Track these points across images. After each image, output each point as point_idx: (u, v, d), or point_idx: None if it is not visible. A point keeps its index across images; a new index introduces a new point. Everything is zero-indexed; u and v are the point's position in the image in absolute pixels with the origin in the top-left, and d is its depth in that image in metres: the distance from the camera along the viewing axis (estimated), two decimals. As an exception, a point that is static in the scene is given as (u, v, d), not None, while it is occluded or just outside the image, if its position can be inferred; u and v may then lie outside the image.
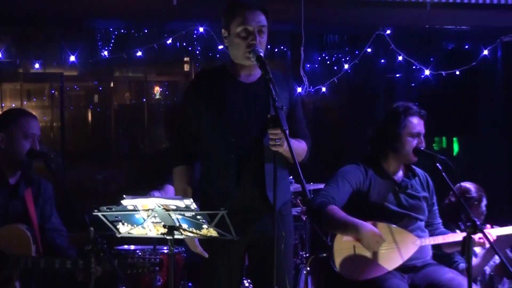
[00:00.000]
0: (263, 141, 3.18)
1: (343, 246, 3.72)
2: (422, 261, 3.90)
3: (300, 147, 3.35)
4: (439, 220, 4.13)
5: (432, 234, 4.02)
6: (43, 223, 4.02)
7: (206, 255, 3.32)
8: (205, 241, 3.31)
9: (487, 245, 3.80)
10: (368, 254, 3.74)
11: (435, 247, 4.00)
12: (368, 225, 3.61)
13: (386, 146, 3.94)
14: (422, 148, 3.90)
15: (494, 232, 3.90)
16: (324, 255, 3.80)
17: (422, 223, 3.97)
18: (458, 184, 4.56)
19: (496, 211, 5.30)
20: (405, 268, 3.84)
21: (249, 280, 4.82)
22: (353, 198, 3.86)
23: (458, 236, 3.88)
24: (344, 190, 3.83)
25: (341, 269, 3.71)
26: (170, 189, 4.93)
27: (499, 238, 3.93)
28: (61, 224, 4.11)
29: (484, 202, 4.92)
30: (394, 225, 3.80)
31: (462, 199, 4.60)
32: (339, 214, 3.68)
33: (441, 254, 4.11)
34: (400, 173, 4.01)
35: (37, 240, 3.89)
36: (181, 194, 3.34)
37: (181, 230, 3.10)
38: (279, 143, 3.01)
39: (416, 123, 3.94)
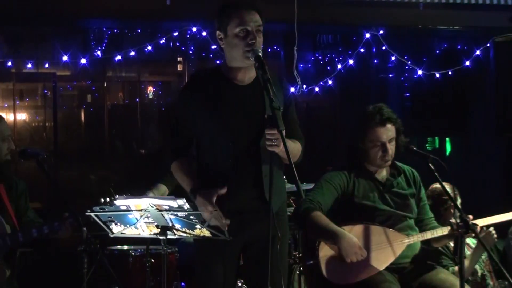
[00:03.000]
0: (260, 143, 3.18)
1: (328, 252, 3.73)
2: (412, 258, 3.90)
3: (295, 147, 3.36)
4: (431, 215, 4.11)
5: (423, 230, 4.02)
6: (19, 217, 4.07)
7: (224, 222, 3.17)
8: (200, 240, 3.30)
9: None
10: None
11: (424, 241, 4.00)
12: (348, 236, 3.63)
13: (357, 153, 3.97)
14: (414, 148, 3.89)
15: (481, 222, 3.90)
16: (311, 262, 3.79)
17: (412, 221, 3.97)
18: (434, 185, 4.61)
19: (488, 210, 5.32)
20: (396, 268, 3.84)
21: (241, 280, 4.82)
22: (339, 201, 3.87)
23: (446, 230, 3.88)
24: (329, 193, 3.85)
25: (329, 274, 3.72)
26: (162, 188, 4.93)
27: (486, 234, 3.95)
28: (36, 217, 4.17)
29: (459, 201, 4.99)
30: (380, 226, 3.81)
31: (438, 201, 4.66)
32: (321, 221, 3.69)
33: (428, 252, 4.11)
34: (384, 173, 4.01)
35: (15, 226, 3.95)
36: (187, 186, 3.28)
37: (174, 230, 3.10)
38: (275, 143, 3.02)
39: (379, 133, 3.92)
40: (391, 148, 3.92)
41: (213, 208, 3.10)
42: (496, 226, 4.08)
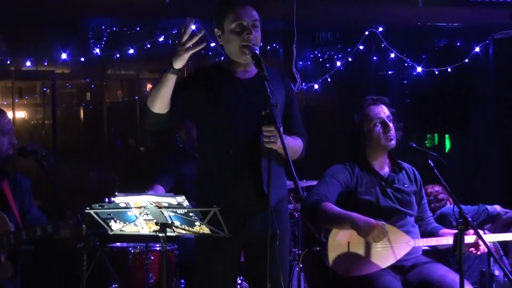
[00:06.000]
0: (260, 137, 3.18)
1: (337, 242, 3.73)
2: (414, 257, 3.91)
3: (296, 144, 3.36)
4: (430, 214, 4.12)
5: (424, 229, 4.01)
6: (23, 215, 4.09)
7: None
8: (200, 238, 3.30)
9: (479, 253, 3.81)
10: (361, 251, 3.74)
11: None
12: (365, 217, 3.61)
13: (359, 143, 3.97)
14: (413, 145, 3.89)
15: (487, 238, 3.90)
16: (318, 248, 3.80)
17: (412, 219, 3.97)
18: (430, 186, 4.64)
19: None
20: (397, 267, 3.84)
21: (241, 277, 4.83)
22: (343, 196, 3.87)
23: (451, 239, 3.87)
24: (334, 188, 3.85)
25: (334, 264, 3.72)
26: (159, 189, 4.93)
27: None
28: (41, 214, 4.19)
29: (451, 201, 5.07)
30: (388, 224, 3.80)
31: (435, 201, 4.69)
32: (334, 209, 3.70)
33: (434, 252, 4.12)
34: (386, 168, 4.01)
35: (19, 224, 3.96)
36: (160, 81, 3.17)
37: (173, 227, 3.10)
38: (272, 140, 3.02)
39: (375, 111, 3.95)
40: (392, 127, 3.93)
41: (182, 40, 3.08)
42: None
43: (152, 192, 4.89)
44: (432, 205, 5.20)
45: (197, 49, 3.12)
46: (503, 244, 5.03)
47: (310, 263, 4.88)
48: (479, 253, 3.79)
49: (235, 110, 3.27)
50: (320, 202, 3.73)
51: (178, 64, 3.13)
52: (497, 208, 5.13)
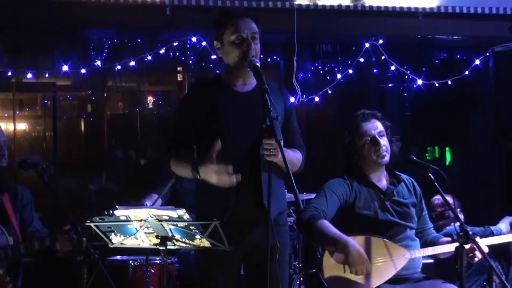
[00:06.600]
0: (260, 151, 3.18)
1: (331, 262, 3.70)
2: (412, 272, 3.88)
3: (295, 157, 3.36)
4: (430, 225, 4.10)
5: (425, 240, 4.00)
6: (24, 227, 4.09)
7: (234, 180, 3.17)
8: (200, 251, 3.30)
9: (477, 259, 3.79)
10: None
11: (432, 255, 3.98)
12: (358, 246, 3.56)
13: (354, 159, 3.95)
14: (414, 158, 3.88)
15: (484, 241, 3.90)
16: (314, 270, 3.78)
17: (412, 232, 3.94)
18: (438, 196, 4.61)
19: (487, 221, 5.32)
20: (396, 280, 3.82)
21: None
22: (341, 210, 3.85)
23: (447, 247, 3.87)
24: (332, 202, 3.81)
25: (330, 284, 3.70)
26: (154, 196, 4.93)
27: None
28: (42, 227, 4.19)
29: (461, 214, 5.04)
30: (384, 239, 3.78)
31: (443, 211, 4.67)
32: (329, 229, 3.63)
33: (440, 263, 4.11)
34: (385, 181, 3.99)
35: (18, 238, 3.95)
36: (188, 171, 3.25)
37: (173, 241, 3.10)
38: (273, 153, 3.02)
39: (366, 128, 3.91)
40: (384, 142, 3.89)
41: (216, 167, 3.12)
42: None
43: (149, 200, 4.90)
44: (441, 222, 5.19)
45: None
46: (504, 253, 5.05)
47: (309, 279, 4.88)
48: (476, 259, 3.77)
49: (234, 123, 3.27)
50: (316, 219, 3.67)
51: (204, 174, 3.17)
52: (502, 229, 5.11)
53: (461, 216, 5.02)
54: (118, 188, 7.16)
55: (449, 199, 5.00)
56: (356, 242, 3.59)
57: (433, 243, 3.95)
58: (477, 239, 3.58)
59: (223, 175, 3.12)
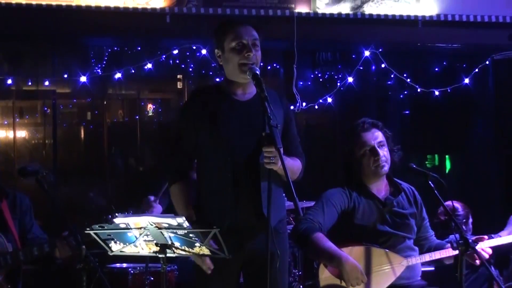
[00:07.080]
0: (259, 159, 3.18)
1: (328, 275, 3.69)
2: (411, 281, 3.87)
3: (294, 165, 3.36)
4: (432, 233, 4.08)
5: (429, 247, 3.98)
6: (24, 234, 4.08)
7: (211, 267, 3.24)
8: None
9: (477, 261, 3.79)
10: None
11: (435, 260, 3.97)
12: (351, 260, 3.55)
13: (353, 169, 3.94)
14: (414, 166, 3.87)
15: (487, 243, 3.90)
16: (310, 283, 3.78)
17: (411, 242, 3.93)
18: (450, 202, 4.58)
19: (487, 229, 5.31)
20: (394, 287, 3.80)
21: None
22: (339, 221, 3.83)
23: (444, 252, 3.87)
24: (330, 214, 3.79)
25: None
26: (151, 198, 4.92)
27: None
28: (41, 233, 4.19)
29: (470, 220, 5.00)
30: (380, 248, 3.77)
31: (443, 222, 4.66)
32: (324, 243, 3.62)
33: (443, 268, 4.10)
34: (384, 192, 3.97)
35: (17, 245, 3.95)
36: (181, 212, 3.28)
37: (173, 248, 3.09)
38: (273, 161, 3.02)
39: (365, 138, 3.90)
40: (383, 153, 3.88)
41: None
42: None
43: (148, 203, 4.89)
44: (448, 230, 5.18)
45: None
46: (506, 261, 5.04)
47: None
48: (477, 261, 3.76)
49: (234, 132, 3.27)
50: (312, 231, 3.65)
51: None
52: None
53: (470, 221, 5.02)
54: (118, 196, 7.15)
55: (458, 206, 4.99)
56: (349, 256, 3.58)
57: (438, 249, 3.95)
58: (478, 246, 3.58)
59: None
